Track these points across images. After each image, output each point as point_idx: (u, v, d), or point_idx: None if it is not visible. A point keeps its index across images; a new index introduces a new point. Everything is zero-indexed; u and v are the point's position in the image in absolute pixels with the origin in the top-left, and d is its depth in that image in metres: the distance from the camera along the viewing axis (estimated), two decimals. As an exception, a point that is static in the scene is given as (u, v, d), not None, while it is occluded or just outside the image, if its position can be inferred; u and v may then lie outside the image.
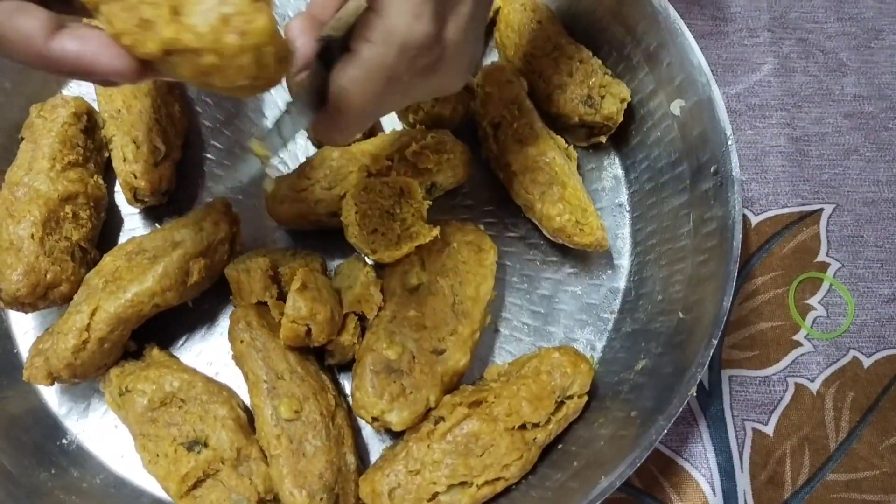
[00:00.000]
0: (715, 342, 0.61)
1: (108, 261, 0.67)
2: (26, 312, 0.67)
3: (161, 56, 0.39)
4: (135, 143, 0.70)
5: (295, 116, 0.48)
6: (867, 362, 0.74)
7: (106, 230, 0.73)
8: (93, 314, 0.63)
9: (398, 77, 0.46)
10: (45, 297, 0.66)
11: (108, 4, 0.39)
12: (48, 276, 0.65)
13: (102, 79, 0.41)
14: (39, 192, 0.67)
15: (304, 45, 0.47)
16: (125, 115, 0.71)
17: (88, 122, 0.72)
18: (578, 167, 0.77)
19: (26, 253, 0.65)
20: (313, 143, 0.77)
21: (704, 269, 0.66)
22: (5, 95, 0.74)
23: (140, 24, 0.38)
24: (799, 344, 0.75)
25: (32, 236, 0.65)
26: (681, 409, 0.59)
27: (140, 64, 0.40)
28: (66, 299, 0.66)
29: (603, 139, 0.77)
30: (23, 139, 0.71)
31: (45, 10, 0.41)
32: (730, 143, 0.67)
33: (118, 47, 0.39)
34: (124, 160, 0.70)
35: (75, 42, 0.40)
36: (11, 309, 0.66)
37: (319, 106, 0.48)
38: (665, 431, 0.59)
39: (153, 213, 0.75)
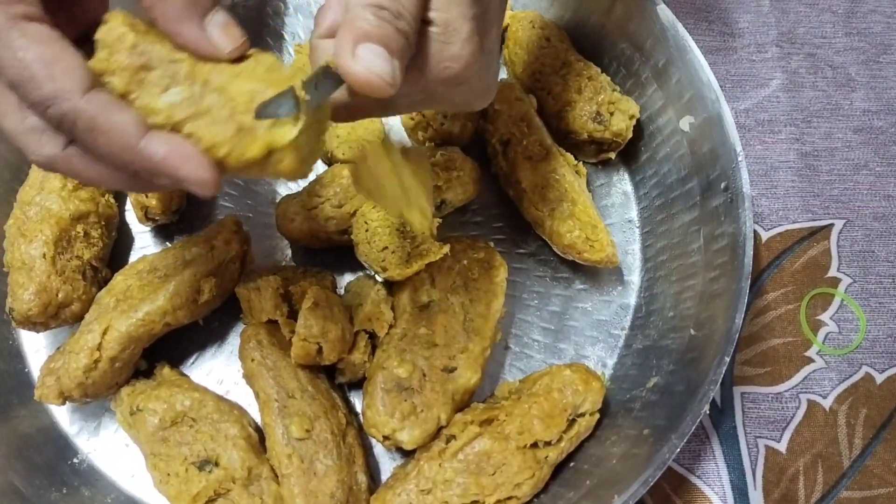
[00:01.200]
0: (727, 359, 0.61)
1: (120, 280, 0.67)
2: (38, 332, 0.67)
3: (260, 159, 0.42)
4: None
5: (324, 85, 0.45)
6: (880, 378, 0.74)
7: (117, 249, 0.73)
8: (104, 333, 0.63)
9: (424, 79, 0.46)
10: (56, 316, 0.66)
11: (194, 122, 0.41)
12: (60, 296, 0.65)
13: (178, 185, 0.42)
14: (51, 212, 0.67)
15: (338, 12, 0.45)
16: None
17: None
18: (588, 183, 0.77)
19: (38, 272, 0.65)
20: (323, 161, 0.77)
21: (715, 285, 0.66)
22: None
23: (237, 133, 0.41)
24: (811, 360, 0.74)
25: (44, 256, 0.66)
26: (693, 427, 0.59)
27: (219, 174, 0.42)
28: (78, 318, 0.67)
29: (612, 155, 0.77)
30: (34, 159, 0.71)
31: (132, 109, 0.42)
32: (740, 159, 0.67)
33: (204, 157, 0.41)
34: (135, 179, 0.70)
35: (165, 146, 0.41)
36: (23, 328, 0.66)
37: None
38: (678, 450, 0.58)
39: (164, 232, 0.75)
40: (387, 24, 0.41)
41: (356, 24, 0.41)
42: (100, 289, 0.68)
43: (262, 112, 0.41)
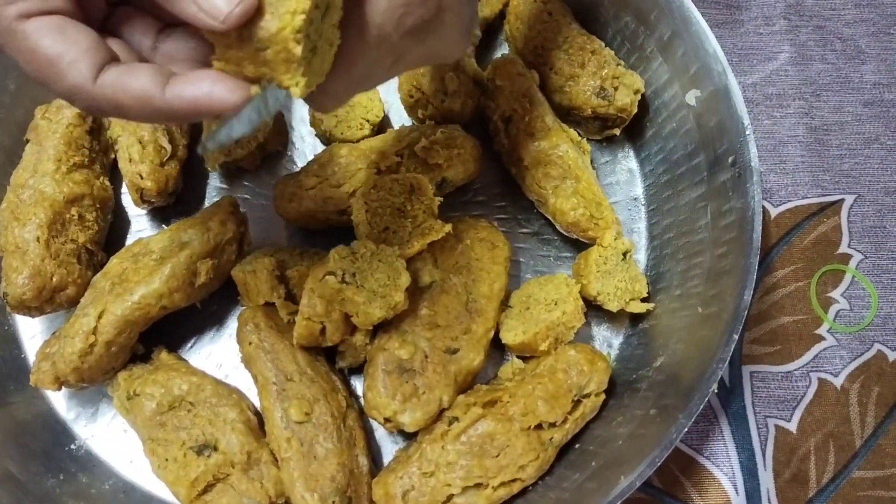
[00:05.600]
0: (736, 337, 0.59)
1: (115, 263, 0.66)
2: (33, 316, 0.66)
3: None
4: (140, 143, 0.69)
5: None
6: (892, 356, 0.72)
7: (113, 232, 0.72)
8: (99, 317, 0.62)
9: (387, 36, 0.44)
10: (51, 300, 0.65)
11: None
12: (54, 280, 0.64)
13: (216, 114, 0.41)
14: (45, 195, 0.66)
15: None
16: None
17: (94, 123, 0.71)
18: (592, 160, 0.75)
19: (32, 256, 0.64)
20: (321, 140, 0.76)
21: (724, 262, 0.64)
22: (10, 97, 0.73)
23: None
24: (821, 338, 0.73)
25: (38, 239, 0.64)
26: (701, 407, 0.58)
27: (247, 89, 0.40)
28: (73, 302, 0.66)
29: (617, 131, 0.75)
30: (28, 141, 0.70)
31: (146, 64, 0.41)
32: (748, 133, 0.65)
33: (230, 79, 0.40)
34: (130, 161, 0.69)
35: (190, 87, 0.40)
36: (18, 313, 0.65)
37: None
38: (685, 430, 0.57)
39: (160, 214, 0.74)
40: None
41: None
42: (95, 272, 0.67)
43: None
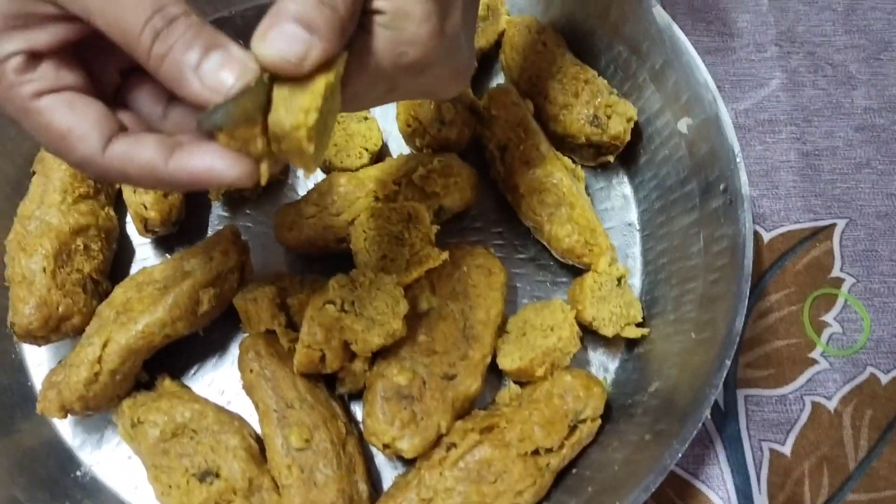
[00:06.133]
0: (728, 363, 0.60)
1: (119, 292, 0.67)
2: (39, 345, 0.67)
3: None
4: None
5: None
6: (885, 379, 0.73)
7: (117, 261, 0.73)
8: (104, 346, 0.63)
9: (384, 70, 0.45)
10: (57, 329, 0.66)
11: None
12: (60, 309, 0.66)
13: (217, 186, 0.42)
14: (51, 226, 0.68)
15: None
16: None
17: (99, 155, 0.72)
18: (586, 187, 0.77)
19: (38, 286, 0.65)
20: (321, 169, 0.77)
21: (716, 288, 0.65)
22: (18, 129, 0.74)
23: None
24: (815, 361, 0.74)
25: (44, 269, 0.66)
26: (695, 432, 0.59)
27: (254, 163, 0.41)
28: (79, 331, 0.67)
29: (611, 158, 0.76)
30: (34, 173, 0.72)
31: (152, 135, 0.42)
32: (738, 160, 0.66)
33: (231, 154, 0.40)
34: (134, 192, 0.70)
35: (192, 160, 0.41)
36: (25, 342, 0.66)
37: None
38: (680, 455, 0.58)
39: (163, 242, 0.75)
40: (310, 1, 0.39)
41: (280, 6, 0.39)
42: (100, 301, 0.68)
43: (206, 120, 0.39)
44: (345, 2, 0.40)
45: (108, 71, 0.47)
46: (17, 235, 0.68)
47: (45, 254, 0.66)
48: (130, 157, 0.41)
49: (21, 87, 0.41)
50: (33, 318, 0.65)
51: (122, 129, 0.43)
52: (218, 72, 0.39)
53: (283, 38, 0.38)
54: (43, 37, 0.42)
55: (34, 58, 0.42)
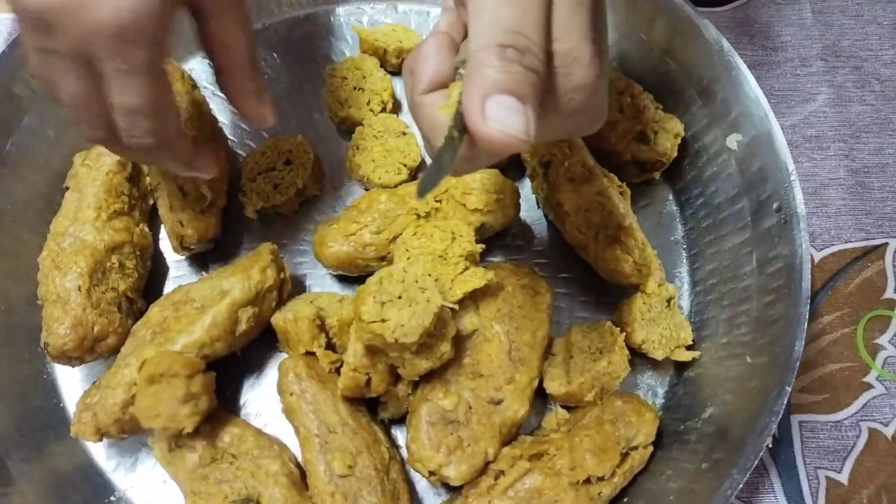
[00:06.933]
0: (789, 389, 0.58)
1: (156, 311, 0.65)
2: (73, 366, 0.66)
3: None
4: (181, 190, 0.69)
5: (448, 151, 0.41)
6: (943, 404, 0.71)
7: (151, 278, 0.72)
8: (141, 367, 0.61)
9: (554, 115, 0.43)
10: (92, 350, 0.65)
11: None
12: (95, 329, 0.64)
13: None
14: (85, 243, 0.66)
15: (440, 62, 0.43)
16: None
17: (133, 170, 0.71)
18: (631, 204, 0.75)
19: (73, 306, 0.64)
20: (359, 185, 0.75)
21: (772, 310, 0.63)
22: (49, 144, 0.73)
23: None
24: (870, 386, 0.71)
25: (79, 288, 0.64)
26: (756, 461, 0.56)
27: None
28: (114, 351, 0.65)
29: (656, 175, 0.75)
30: (67, 188, 0.70)
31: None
32: (792, 178, 0.64)
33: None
34: (171, 209, 0.69)
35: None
36: (58, 363, 0.65)
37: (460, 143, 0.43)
38: (741, 486, 0.56)
39: (198, 259, 0.74)
40: (514, 64, 0.38)
41: (482, 73, 0.38)
42: (136, 320, 0.66)
43: (423, 190, 0.39)
44: (542, 61, 0.39)
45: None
46: (52, 253, 0.67)
47: (80, 272, 0.65)
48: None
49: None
50: (68, 338, 0.63)
51: None
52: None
53: (504, 112, 0.37)
54: None
55: None
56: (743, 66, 0.68)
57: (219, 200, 0.71)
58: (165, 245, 0.74)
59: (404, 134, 0.75)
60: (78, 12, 0.44)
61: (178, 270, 0.74)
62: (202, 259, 0.74)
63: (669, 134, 0.72)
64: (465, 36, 0.44)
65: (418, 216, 0.69)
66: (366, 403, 0.65)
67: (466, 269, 0.65)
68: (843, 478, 0.68)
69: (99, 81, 0.48)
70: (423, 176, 0.40)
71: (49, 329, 0.64)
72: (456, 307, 0.62)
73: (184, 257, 0.74)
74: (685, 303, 0.73)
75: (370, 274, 0.69)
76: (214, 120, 0.75)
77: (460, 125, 0.39)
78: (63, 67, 0.48)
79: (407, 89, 0.45)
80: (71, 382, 0.70)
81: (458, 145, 0.40)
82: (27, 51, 0.49)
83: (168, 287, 0.73)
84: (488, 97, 0.37)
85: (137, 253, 0.69)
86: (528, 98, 0.38)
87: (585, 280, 0.73)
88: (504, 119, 0.37)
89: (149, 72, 0.48)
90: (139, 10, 0.45)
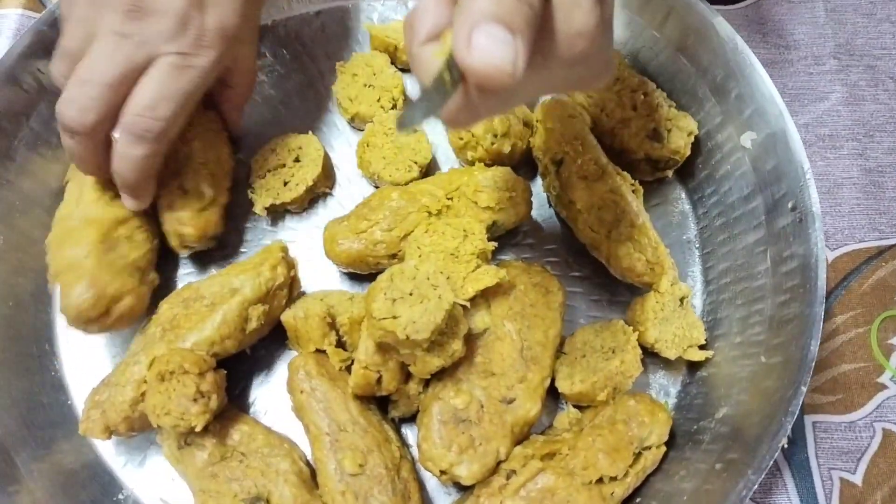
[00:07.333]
0: (804, 389, 0.58)
1: (165, 308, 0.65)
2: (92, 332, 0.64)
3: None
4: (181, 188, 0.68)
5: (438, 92, 0.40)
6: (958, 405, 0.70)
7: (161, 275, 0.71)
8: (151, 365, 0.60)
9: (552, 63, 0.43)
10: (108, 312, 0.62)
11: None
12: (109, 290, 0.62)
13: None
14: (92, 218, 0.65)
15: (439, 15, 0.42)
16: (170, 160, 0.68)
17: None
18: (643, 202, 0.74)
19: (86, 268, 0.62)
20: (369, 182, 0.75)
21: (786, 310, 0.62)
22: (58, 140, 0.71)
23: None
24: (884, 387, 0.71)
25: (89, 254, 0.62)
26: (771, 462, 0.56)
27: None
28: (132, 318, 0.64)
29: (669, 174, 0.74)
30: (67, 182, 0.69)
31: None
32: (808, 177, 0.64)
33: None
34: (170, 207, 0.68)
35: None
36: (78, 328, 0.62)
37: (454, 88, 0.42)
38: (756, 486, 0.55)
39: (206, 257, 0.73)
40: None
41: (473, 2, 0.37)
42: (150, 290, 0.65)
43: (402, 125, 0.38)
44: None
45: None
46: (57, 236, 0.65)
47: (90, 241, 0.63)
48: None
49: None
50: (84, 297, 0.61)
51: None
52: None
53: (491, 41, 0.36)
54: None
55: None
56: (757, 64, 0.68)
57: (220, 198, 0.70)
58: (173, 241, 0.73)
59: (415, 131, 0.74)
60: None
61: (188, 268, 0.73)
62: (210, 256, 0.73)
63: (683, 132, 0.71)
64: None
65: (430, 214, 0.68)
66: (376, 402, 0.65)
67: (478, 266, 0.65)
68: (857, 479, 0.68)
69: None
70: (406, 109, 0.38)
71: (65, 295, 0.61)
72: (468, 305, 0.62)
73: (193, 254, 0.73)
74: (698, 302, 0.72)
75: (381, 272, 0.69)
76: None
77: (454, 69, 0.38)
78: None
79: (406, 43, 0.44)
80: (79, 380, 0.69)
81: (451, 90, 0.39)
82: None
83: (178, 284, 0.72)
84: (476, 26, 0.36)
85: (144, 228, 0.67)
86: (519, 30, 0.37)
87: (597, 279, 0.72)
88: (490, 48, 0.36)
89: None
90: None
